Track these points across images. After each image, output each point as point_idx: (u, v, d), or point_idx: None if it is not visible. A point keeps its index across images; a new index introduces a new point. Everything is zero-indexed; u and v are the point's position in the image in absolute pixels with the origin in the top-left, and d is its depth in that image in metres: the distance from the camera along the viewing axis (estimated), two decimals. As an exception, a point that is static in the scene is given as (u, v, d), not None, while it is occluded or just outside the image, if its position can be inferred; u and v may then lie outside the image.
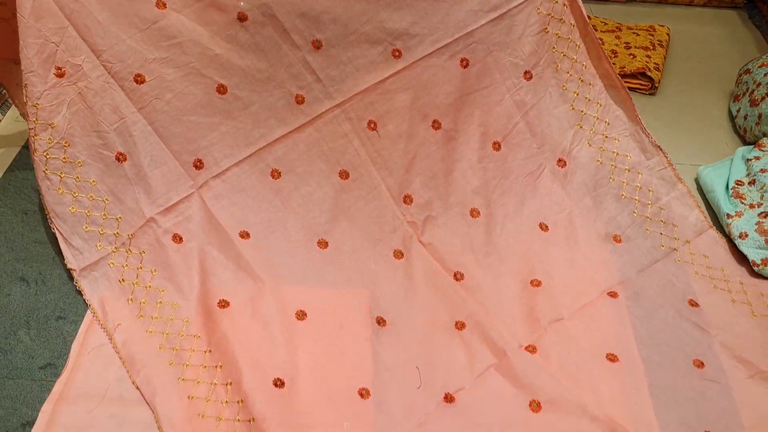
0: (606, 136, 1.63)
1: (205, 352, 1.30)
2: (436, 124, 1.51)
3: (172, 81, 1.39)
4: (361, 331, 1.35)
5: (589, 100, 1.61)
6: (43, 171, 1.36)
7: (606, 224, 1.59)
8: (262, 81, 1.43)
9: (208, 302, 1.37)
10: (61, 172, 1.37)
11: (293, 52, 1.41)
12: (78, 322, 1.34)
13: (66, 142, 1.36)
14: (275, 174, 1.48)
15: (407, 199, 1.51)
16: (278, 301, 1.38)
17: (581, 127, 1.62)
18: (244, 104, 1.44)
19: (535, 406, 1.25)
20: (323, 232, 1.49)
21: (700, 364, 1.33)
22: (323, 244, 1.48)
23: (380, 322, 1.39)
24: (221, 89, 1.43)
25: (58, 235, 1.39)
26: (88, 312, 1.36)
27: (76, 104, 1.36)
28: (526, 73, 1.54)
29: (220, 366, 1.27)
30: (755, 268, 1.53)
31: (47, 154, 1.35)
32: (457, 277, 1.47)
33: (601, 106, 1.62)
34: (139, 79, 1.37)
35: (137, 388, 1.23)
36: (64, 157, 1.37)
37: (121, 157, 1.40)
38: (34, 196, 1.58)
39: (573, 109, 1.61)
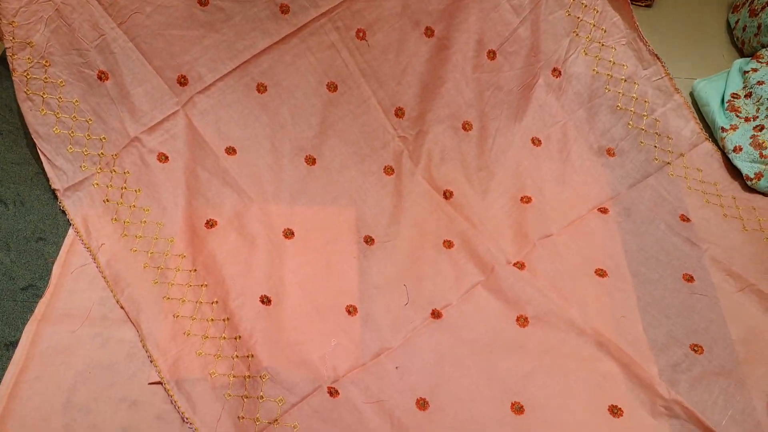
0: (602, 45, 1.49)
1: (190, 271, 1.22)
2: (428, 32, 1.36)
3: None
4: (349, 250, 1.28)
5: (586, 6, 1.46)
6: (24, 92, 1.24)
7: (600, 137, 1.48)
8: (245, -10, 1.29)
9: (195, 222, 1.28)
10: (43, 93, 1.26)
11: None
12: (59, 243, 1.25)
13: (46, 62, 1.25)
14: (261, 88, 1.36)
15: (399, 112, 1.38)
16: (265, 219, 1.30)
17: (577, 34, 1.48)
18: (227, 15, 1.30)
19: (522, 320, 1.19)
20: (311, 147, 1.38)
21: (690, 278, 1.27)
22: (311, 160, 1.36)
23: (368, 241, 1.31)
24: (202, 0, 1.27)
25: (41, 155, 1.28)
26: (70, 233, 1.26)
27: (54, 21, 1.23)
28: None
29: (206, 285, 1.20)
30: (748, 182, 1.44)
31: (27, 74, 1.24)
32: (446, 195, 1.38)
33: (598, 12, 1.47)
34: None
35: (121, 307, 1.16)
36: (45, 77, 1.25)
37: (102, 76, 1.28)
38: (9, 115, 1.44)
39: (569, 15, 1.46)
